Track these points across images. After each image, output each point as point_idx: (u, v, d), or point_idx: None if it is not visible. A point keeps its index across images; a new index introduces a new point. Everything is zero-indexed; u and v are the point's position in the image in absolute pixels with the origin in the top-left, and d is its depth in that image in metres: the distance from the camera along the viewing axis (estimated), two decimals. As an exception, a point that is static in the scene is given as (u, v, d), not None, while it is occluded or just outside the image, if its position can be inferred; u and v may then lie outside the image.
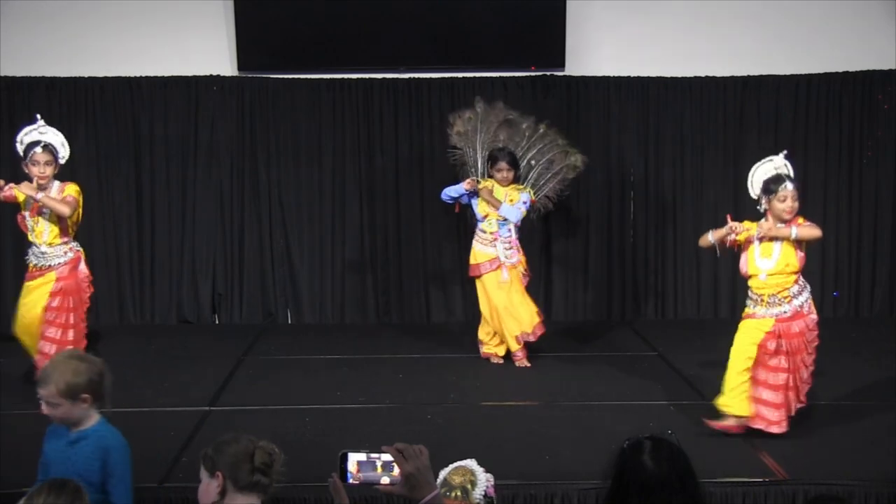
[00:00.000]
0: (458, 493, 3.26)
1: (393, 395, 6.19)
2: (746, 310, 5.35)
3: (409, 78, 8.22)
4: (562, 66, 8.18)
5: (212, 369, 6.75)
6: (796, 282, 5.21)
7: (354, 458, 2.24)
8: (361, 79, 8.20)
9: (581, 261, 8.44)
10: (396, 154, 8.29)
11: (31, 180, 5.82)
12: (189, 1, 8.09)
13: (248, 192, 8.29)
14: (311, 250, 8.36)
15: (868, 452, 5.04)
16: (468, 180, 6.76)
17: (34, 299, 5.91)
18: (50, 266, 5.90)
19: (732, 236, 5.26)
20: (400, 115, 8.26)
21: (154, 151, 8.20)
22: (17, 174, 6.02)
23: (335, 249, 8.35)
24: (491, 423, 5.66)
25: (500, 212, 6.66)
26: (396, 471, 2.19)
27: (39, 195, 5.75)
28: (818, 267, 8.18)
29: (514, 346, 6.75)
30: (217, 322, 8.36)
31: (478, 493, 3.29)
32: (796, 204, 5.17)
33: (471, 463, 3.38)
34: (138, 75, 8.12)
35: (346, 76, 8.21)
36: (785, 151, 5.46)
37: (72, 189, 5.90)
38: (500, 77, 8.18)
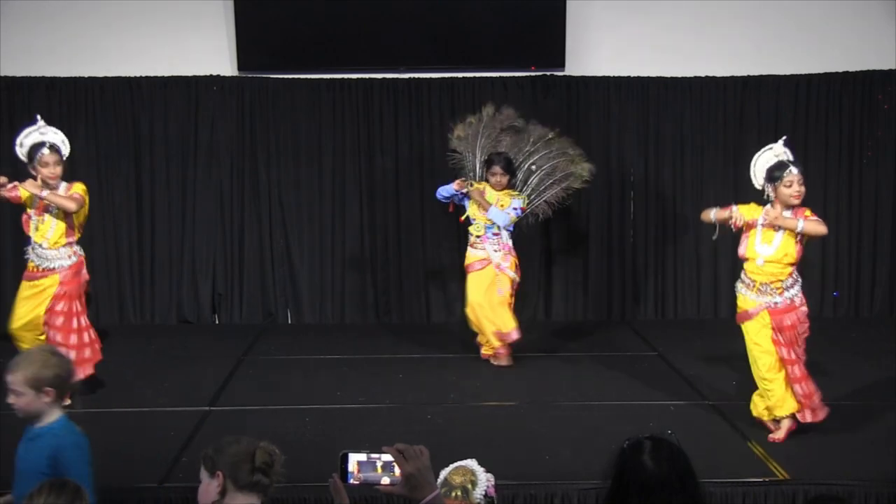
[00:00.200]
0: (459, 493, 3.26)
1: (393, 395, 6.20)
2: (739, 302, 5.30)
3: (409, 78, 8.23)
4: (562, 66, 8.18)
5: (212, 369, 6.75)
6: (791, 274, 5.16)
7: (355, 459, 2.24)
8: (361, 79, 8.21)
9: (581, 261, 8.44)
10: (396, 154, 8.29)
11: (35, 179, 5.78)
12: (189, 1, 8.09)
13: (248, 192, 8.29)
14: (311, 250, 8.35)
15: (868, 452, 5.05)
16: (459, 180, 6.76)
17: (37, 302, 5.85)
18: (52, 269, 5.84)
19: (733, 221, 5.22)
20: (400, 115, 8.26)
21: (154, 151, 8.20)
22: (17, 174, 5.98)
23: (335, 249, 8.35)
24: (491, 423, 5.66)
25: (487, 215, 6.65)
26: (397, 471, 2.18)
27: (44, 192, 5.72)
28: (818, 267, 8.19)
29: (496, 343, 6.76)
30: (217, 322, 8.36)
31: (478, 493, 3.29)
32: (803, 188, 5.10)
33: (471, 463, 3.38)
34: (138, 75, 8.12)
35: (346, 76, 8.21)
36: (784, 138, 5.39)
37: (79, 188, 5.88)
38: (500, 77, 8.19)
